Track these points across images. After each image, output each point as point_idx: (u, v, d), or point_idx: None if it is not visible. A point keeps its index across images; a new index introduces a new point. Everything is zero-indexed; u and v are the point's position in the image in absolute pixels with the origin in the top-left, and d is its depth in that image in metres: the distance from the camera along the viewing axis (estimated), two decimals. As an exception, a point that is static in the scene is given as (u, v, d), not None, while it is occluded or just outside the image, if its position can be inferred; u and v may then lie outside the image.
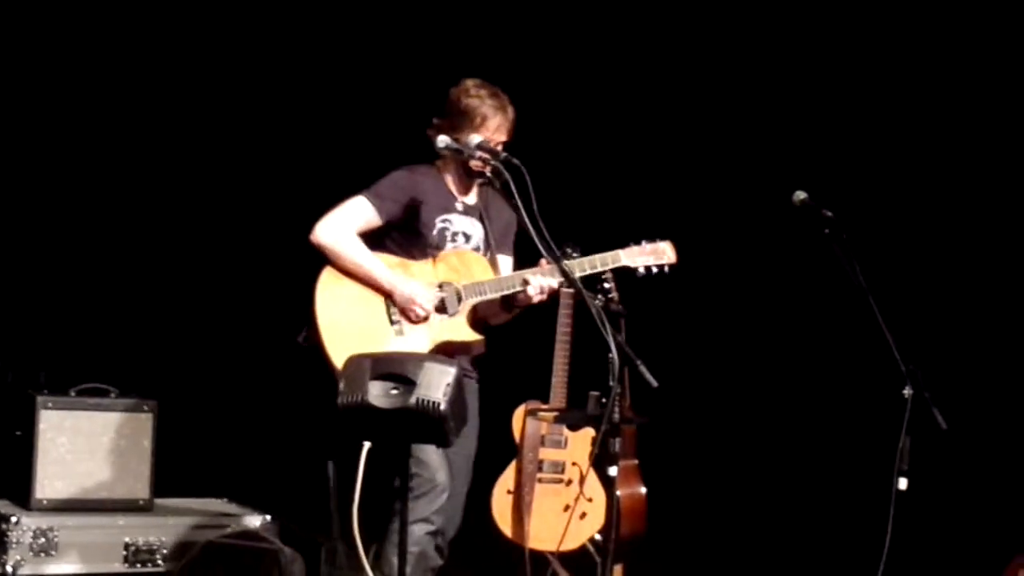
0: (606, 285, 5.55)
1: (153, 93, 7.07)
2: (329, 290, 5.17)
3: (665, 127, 7.45)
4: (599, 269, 5.42)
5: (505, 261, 5.48)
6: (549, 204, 4.76)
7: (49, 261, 6.91)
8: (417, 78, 6.83)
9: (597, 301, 5.26)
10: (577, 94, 7.43)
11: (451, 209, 5.38)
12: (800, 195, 5.20)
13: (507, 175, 4.88)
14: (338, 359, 4.85)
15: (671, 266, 5.51)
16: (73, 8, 6.85)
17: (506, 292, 5.30)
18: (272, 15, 7.19)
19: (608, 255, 5.43)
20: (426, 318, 5.22)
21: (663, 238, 5.52)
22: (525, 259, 5.30)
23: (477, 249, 5.40)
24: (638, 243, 5.48)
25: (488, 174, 5.11)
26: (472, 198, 5.44)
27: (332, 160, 7.06)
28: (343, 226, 5.22)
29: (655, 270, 5.48)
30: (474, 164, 5.24)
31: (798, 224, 5.22)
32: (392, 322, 5.21)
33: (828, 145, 7.15)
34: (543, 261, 5.23)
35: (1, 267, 6.78)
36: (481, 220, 5.42)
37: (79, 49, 6.86)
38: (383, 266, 5.23)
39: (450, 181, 5.41)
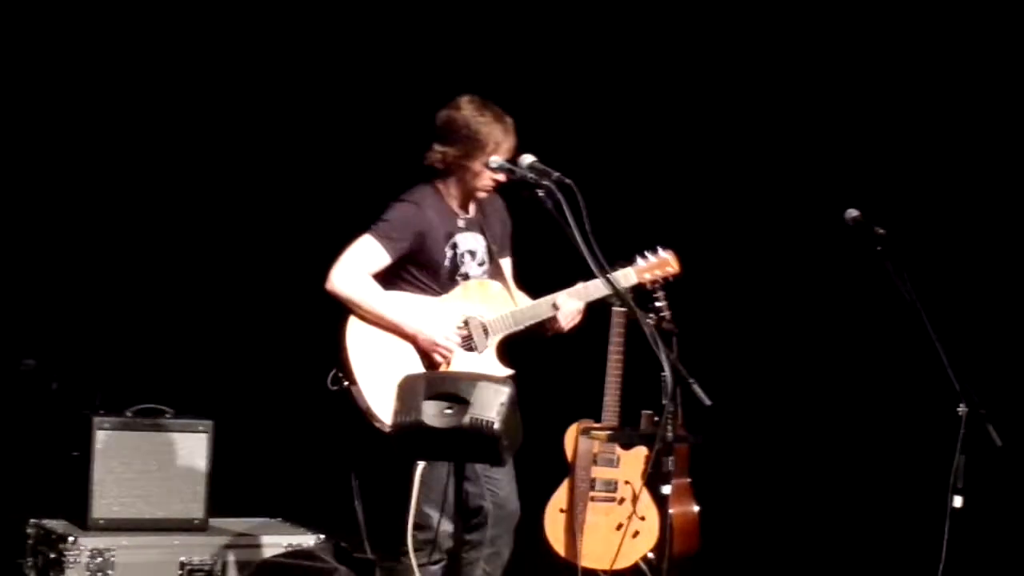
0: (658, 304, 5.49)
1: (198, 125, 7.19)
2: (358, 337, 5.11)
3: (718, 147, 7.45)
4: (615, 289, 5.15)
5: (505, 264, 5.40)
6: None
7: (107, 284, 6.98)
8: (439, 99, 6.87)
9: (649, 320, 5.25)
10: (619, 115, 7.44)
11: (455, 229, 5.27)
12: (852, 213, 5.18)
13: (559, 195, 4.79)
14: (376, 402, 4.94)
15: (675, 276, 5.41)
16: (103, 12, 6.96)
17: (534, 321, 5.25)
18: (295, 42, 7.28)
19: (620, 273, 5.26)
20: (449, 360, 5.17)
21: (665, 247, 5.40)
22: (563, 277, 5.29)
23: (483, 264, 5.31)
24: (643, 256, 5.36)
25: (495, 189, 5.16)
26: (471, 211, 5.33)
27: (378, 183, 7.09)
28: (356, 273, 5.12)
29: (660, 283, 5.40)
30: (505, 183, 5.19)
31: (851, 242, 5.20)
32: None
33: (882, 163, 7.13)
34: (578, 282, 5.20)
35: (58, 290, 6.85)
36: (481, 232, 5.33)
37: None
38: (403, 311, 5.14)
39: (451, 198, 5.29)
